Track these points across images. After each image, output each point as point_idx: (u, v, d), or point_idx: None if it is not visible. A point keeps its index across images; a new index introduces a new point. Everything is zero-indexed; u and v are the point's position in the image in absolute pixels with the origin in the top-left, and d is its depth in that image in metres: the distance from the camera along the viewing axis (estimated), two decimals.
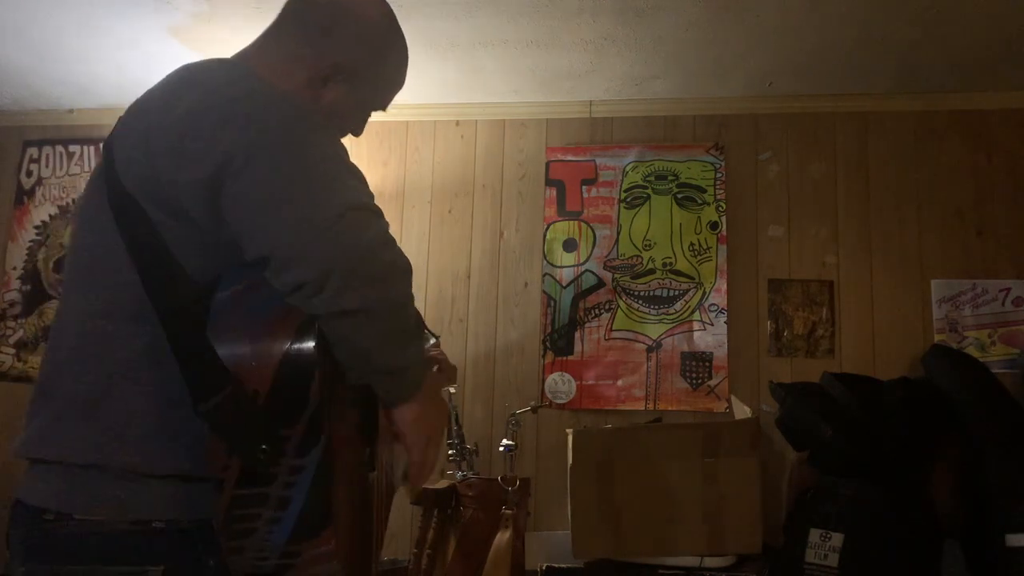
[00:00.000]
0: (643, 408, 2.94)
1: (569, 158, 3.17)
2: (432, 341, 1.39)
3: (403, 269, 0.99)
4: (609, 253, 3.07)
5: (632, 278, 3.04)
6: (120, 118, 1.05)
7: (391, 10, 1.23)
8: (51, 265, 3.42)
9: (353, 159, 1.06)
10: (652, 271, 3.03)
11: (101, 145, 1.06)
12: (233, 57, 1.15)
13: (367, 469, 1.08)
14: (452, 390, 2.56)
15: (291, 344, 0.92)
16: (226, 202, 0.92)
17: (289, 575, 0.94)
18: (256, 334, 0.94)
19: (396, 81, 1.26)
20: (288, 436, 0.91)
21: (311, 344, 0.92)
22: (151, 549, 0.95)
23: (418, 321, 1.05)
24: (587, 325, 3.04)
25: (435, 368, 1.31)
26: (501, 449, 2.46)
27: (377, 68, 1.21)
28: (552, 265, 3.10)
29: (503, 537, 2.23)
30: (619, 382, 2.98)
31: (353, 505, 1.02)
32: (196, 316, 0.94)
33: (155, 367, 0.97)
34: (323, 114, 1.15)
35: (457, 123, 3.25)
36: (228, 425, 0.91)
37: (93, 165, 3.47)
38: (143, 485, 0.96)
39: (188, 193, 0.94)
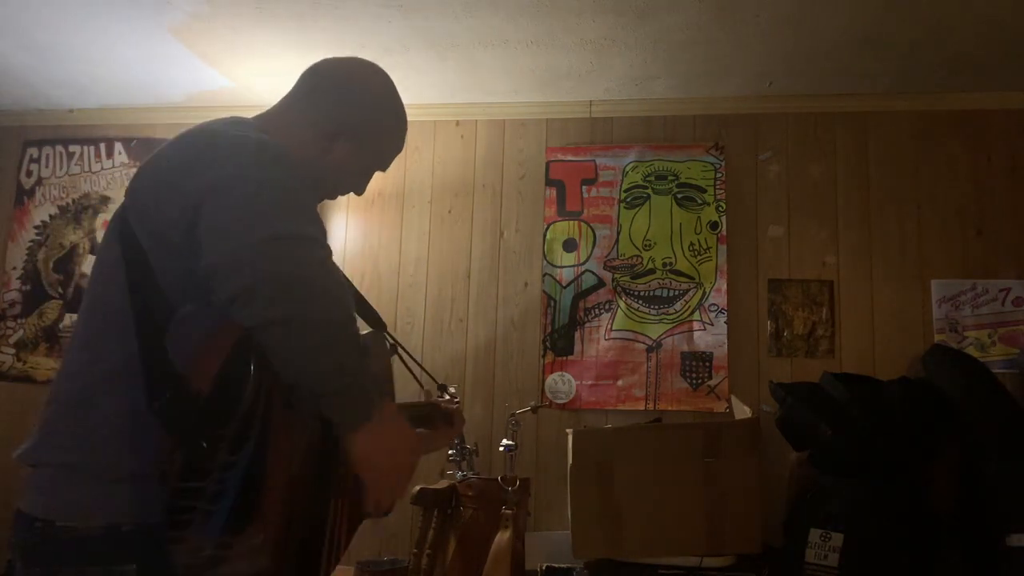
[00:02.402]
0: (643, 408, 2.94)
1: (569, 158, 3.17)
2: (449, 394, 1.43)
3: (333, 296, 1.07)
4: (609, 253, 3.07)
5: (632, 278, 3.04)
6: (139, 167, 1.22)
7: (392, 82, 1.40)
8: (51, 265, 3.42)
9: None
10: (652, 271, 3.03)
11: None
12: (253, 118, 1.31)
13: (321, 483, 1.13)
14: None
15: (231, 352, 1.04)
16: (199, 228, 1.06)
17: (223, 569, 1.01)
18: (204, 343, 1.05)
19: (397, 145, 1.43)
20: (223, 435, 1.00)
21: (249, 354, 1.03)
22: (123, 550, 1.05)
23: (356, 351, 1.08)
24: (587, 325, 3.04)
25: (443, 421, 1.38)
26: (501, 449, 2.46)
27: (380, 132, 1.38)
28: (552, 265, 3.10)
29: (503, 537, 2.23)
30: (619, 382, 2.98)
31: (291, 509, 1.07)
32: (163, 328, 1.07)
33: (129, 378, 1.07)
34: (330, 170, 1.33)
35: (457, 123, 3.25)
36: (174, 422, 1.02)
37: (93, 165, 3.48)
38: (113, 488, 1.06)
39: (176, 225, 1.08)
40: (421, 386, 1.55)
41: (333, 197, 1.42)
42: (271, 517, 1.02)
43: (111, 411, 1.08)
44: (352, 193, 1.42)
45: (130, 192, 1.18)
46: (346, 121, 1.32)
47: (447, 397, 1.46)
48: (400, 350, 1.44)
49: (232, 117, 1.27)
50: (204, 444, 1.00)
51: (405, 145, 1.46)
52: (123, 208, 1.17)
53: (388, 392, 1.38)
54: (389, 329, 1.43)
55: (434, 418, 1.46)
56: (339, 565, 1.18)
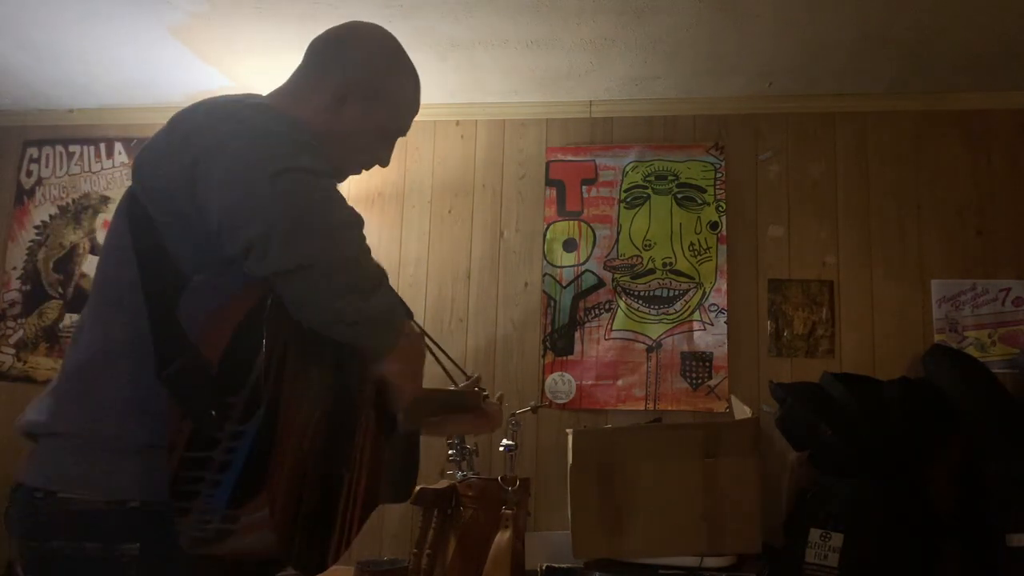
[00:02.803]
0: (643, 408, 2.94)
1: (569, 158, 3.17)
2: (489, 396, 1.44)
3: (349, 223, 1.05)
4: (609, 253, 3.07)
5: (632, 278, 3.04)
6: (143, 146, 1.19)
7: (394, 38, 1.38)
8: (51, 265, 3.42)
9: None
10: (652, 271, 3.03)
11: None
12: (266, 96, 1.31)
13: (334, 459, 1.12)
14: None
15: (243, 322, 1.02)
16: (200, 186, 1.04)
17: (230, 542, 0.98)
18: (216, 310, 1.04)
19: (409, 104, 1.38)
20: (233, 404, 0.98)
21: (261, 323, 1.01)
22: (127, 527, 1.03)
23: (378, 274, 1.10)
24: (587, 325, 3.04)
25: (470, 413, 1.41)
26: (501, 449, 2.46)
27: (388, 88, 1.33)
28: (552, 265, 3.10)
29: (503, 537, 2.23)
30: (619, 382, 2.98)
31: (301, 484, 1.04)
32: (174, 299, 1.05)
33: (139, 349, 1.05)
34: (344, 136, 1.29)
35: (457, 123, 3.25)
36: (183, 390, 0.99)
37: (93, 165, 3.48)
38: (120, 460, 1.05)
39: (181, 192, 1.06)
40: (446, 372, 1.57)
41: (356, 171, 1.37)
42: (280, 491, 0.99)
43: (120, 381, 1.07)
44: (378, 165, 1.38)
45: (135, 170, 1.16)
46: (351, 79, 1.29)
47: (477, 389, 1.46)
48: (427, 339, 1.44)
49: (234, 95, 1.25)
50: (213, 413, 0.97)
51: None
52: (131, 187, 1.16)
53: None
54: None
55: (467, 405, 1.47)
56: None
